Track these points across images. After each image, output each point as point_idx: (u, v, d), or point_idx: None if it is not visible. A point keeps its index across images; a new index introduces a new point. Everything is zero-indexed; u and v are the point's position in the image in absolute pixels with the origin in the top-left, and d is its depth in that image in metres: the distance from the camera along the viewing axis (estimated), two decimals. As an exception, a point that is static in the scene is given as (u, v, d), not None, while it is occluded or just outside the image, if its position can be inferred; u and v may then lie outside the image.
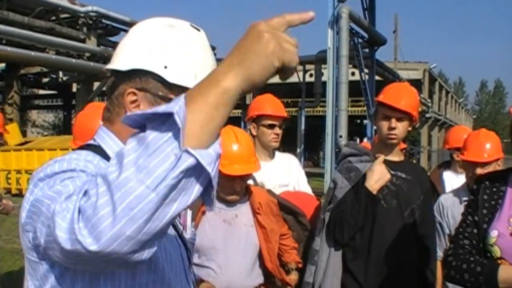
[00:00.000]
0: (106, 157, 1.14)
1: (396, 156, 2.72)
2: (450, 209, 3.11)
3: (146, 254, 0.84)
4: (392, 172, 2.63)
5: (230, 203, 2.50)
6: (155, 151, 0.78)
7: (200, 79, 0.95)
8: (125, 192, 0.78)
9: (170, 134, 0.78)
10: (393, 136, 2.62)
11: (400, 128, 2.62)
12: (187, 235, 1.37)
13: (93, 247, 0.80)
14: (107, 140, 1.18)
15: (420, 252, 2.70)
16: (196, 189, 0.81)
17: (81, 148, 1.19)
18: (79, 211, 0.81)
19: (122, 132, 1.17)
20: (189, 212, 1.43)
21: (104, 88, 18.69)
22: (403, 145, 4.82)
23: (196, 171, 0.79)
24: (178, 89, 1.14)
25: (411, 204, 2.64)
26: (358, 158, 2.65)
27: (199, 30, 1.23)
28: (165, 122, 0.79)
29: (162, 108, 0.79)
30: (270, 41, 0.83)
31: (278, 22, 0.86)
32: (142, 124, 0.82)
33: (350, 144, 2.86)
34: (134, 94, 1.16)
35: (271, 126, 3.15)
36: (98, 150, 1.16)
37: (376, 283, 2.58)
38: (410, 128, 2.69)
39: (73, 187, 0.92)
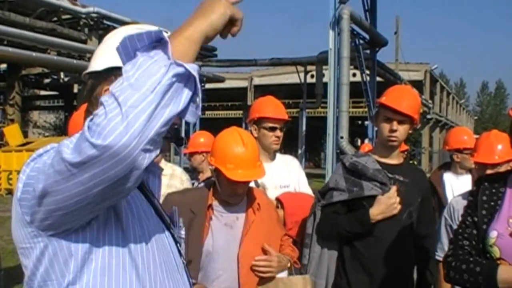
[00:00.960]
0: None
1: (395, 159, 2.73)
2: (461, 211, 3.10)
3: (147, 159, 0.99)
4: (390, 175, 2.64)
5: (231, 206, 2.49)
6: (149, 66, 0.98)
7: None
8: (129, 95, 0.95)
9: (159, 53, 1.00)
10: (394, 139, 2.63)
11: (401, 130, 2.62)
12: (175, 229, 1.41)
13: (106, 142, 0.92)
14: None
15: (418, 253, 2.71)
16: (184, 95, 1.00)
17: None
18: (88, 126, 0.94)
19: None
20: (175, 209, 1.45)
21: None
22: (404, 147, 4.83)
23: (184, 77, 1.00)
24: None
25: (409, 206, 2.65)
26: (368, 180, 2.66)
27: (166, 32, 1.31)
28: (151, 47, 1.01)
29: (153, 29, 1.01)
30: (221, 0, 1.10)
31: None
32: (130, 57, 1.02)
33: (366, 168, 2.71)
34: None
35: (272, 129, 3.14)
36: None
37: (373, 285, 2.60)
38: (410, 131, 2.70)
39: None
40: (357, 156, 2.76)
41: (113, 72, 1.23)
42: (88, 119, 0.96)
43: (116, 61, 1.21)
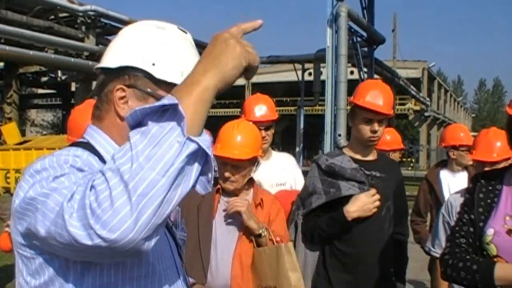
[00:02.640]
0: (95, 152, 1.18)
1: (371, 155, 2.73)
2: (459, 208, 3.11)
3: (153, 241, 0.92)
4: (367, 172, 2.63)
5: (236, 197, 2.53)
6: (160, 140, 0.88)
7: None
8: (139, 180, 0.86)
9: (171, 124, 0.89)
10: (376, 139, 2.62)
11: (381, 129, 2.61)
12: (177, 231, 1.39)
13: (113, 236, 0.86)
14: (96, 136, 1.22)
15: (394, 239, 2.73)
16: (194, 173, 0.92)
17: (71, 145, 1.23)
18: (90, 206, 0.87)
19: (111, 128, 1.22)
20: (178, 209, 1.43)
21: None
22: (401, 146, 4.83)
23: (196, 155, 0.91)
24: (166, 86, 1.19)
25: (387, 201, 2.64)
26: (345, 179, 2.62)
27: (186, 32, 1.28)
28: (164, 115, 0.90)
29: (167, 100, 0.89)
30: (236, 46, 0.98)
31: (236, 30, 1.02)
32: (138, 121, 0.91)
33: (344, 169, 2.67)
34: (123, 90, 1.19)
35: None
36: (87, 146, 1.19)
37: (354, 283, 2.60)
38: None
39: (69, 182, 0.97)
40: (331, 156, 2.71)
41: (126, 71, 1.19)
42: (90, 193, 0.88)
43: (130, 60, 1.19)
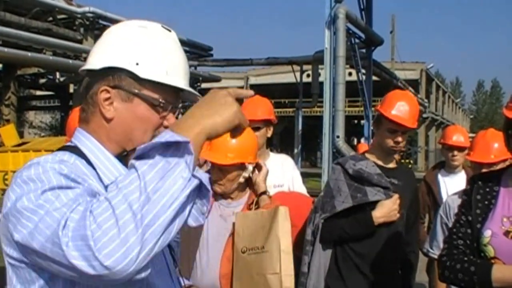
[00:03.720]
0: (82, 155, 1.18)
1: (391, 163, 2.78)
2: (457, 210, 3.12)
3: (149, 270, 0.95)
4: (388, 179, 2.66)
5: (231, 200, 2.52)
6: (166, 174, 0.93)
7: (171, 75, 1.18)
8: (146, 211, 0.90)
9: (175, 159, 0.94)
10: (398, 149, 2.69)
11: (404, 140, 2.69)
12: None
13: (117, 267, 0.88)
14: (83, 140, 1.22)
15: (403, 247, 2.77)
16: (189, 207, 0.98)
17: (59, 149, 1.23)
18: (93, 235, 0.88)
19: (98, 130, 1.22)
20: None
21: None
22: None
23: (196, 190, 0.98)
24: (151, 85, 1.19)
25: (402, 209, 2.67)
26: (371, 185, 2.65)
27: (170, 31, 1.28)
28: (168, 149, 0.95)
29: (180, 137, 0.95)
30: (234, 104, 1.08)
31: (233, 92, 1.12)
32: (145, 152, 0.95)
33: (371, 176, 2.69)
34: (107, 91, 1.19)
35: None
36: (74, 150, 1.20)
37: (365, 281, 2.62)
38: None
39: (60, 203, 0.96)
40: (355, 160, 2.73)
41: (110, 72, 1.19)
42: (91, 221, 0.88)
43: (114, 61, 1.18)
